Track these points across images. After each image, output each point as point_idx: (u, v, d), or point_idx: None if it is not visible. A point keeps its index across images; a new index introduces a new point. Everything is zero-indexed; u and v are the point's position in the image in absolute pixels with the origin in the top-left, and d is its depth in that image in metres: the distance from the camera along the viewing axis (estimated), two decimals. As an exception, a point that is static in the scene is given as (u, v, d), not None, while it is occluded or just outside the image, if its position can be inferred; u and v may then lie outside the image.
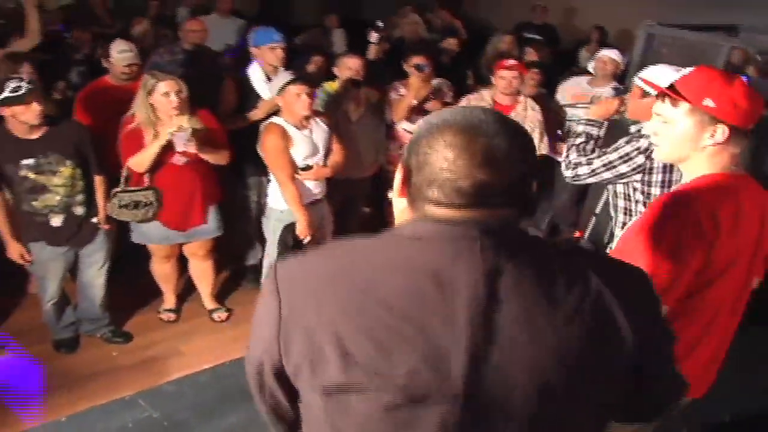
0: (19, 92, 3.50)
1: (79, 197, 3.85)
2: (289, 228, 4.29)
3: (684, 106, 2.01)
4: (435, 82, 5.31)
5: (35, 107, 3.54)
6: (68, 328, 4.20)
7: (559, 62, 7.01)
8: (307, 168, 4.21)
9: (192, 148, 4.01)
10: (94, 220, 3.95)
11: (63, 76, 5.62)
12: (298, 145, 4.13)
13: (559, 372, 1.21)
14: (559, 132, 5.30)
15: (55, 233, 3.82)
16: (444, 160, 1.21)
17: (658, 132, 2.11)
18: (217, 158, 4.15)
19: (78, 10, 8.05)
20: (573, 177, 3.13)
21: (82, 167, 3.83)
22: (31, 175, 3.67)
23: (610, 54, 5.56)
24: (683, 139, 2.03)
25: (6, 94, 3.50)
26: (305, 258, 1.33)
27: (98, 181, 3.95)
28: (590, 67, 5.67)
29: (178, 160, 4.02)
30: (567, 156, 3.17)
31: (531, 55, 6.26)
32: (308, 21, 8.42)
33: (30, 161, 3.65)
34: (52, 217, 3.79)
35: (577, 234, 5.40)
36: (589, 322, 1.22)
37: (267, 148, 4.10)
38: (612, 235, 5.43)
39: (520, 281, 1.20)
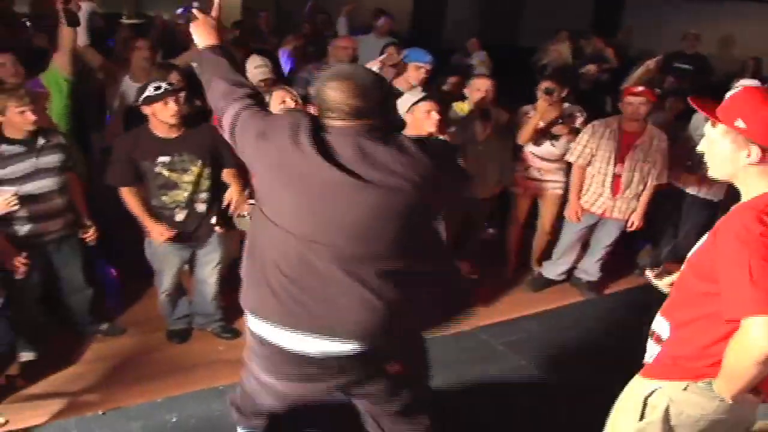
0: (159, 91, 3.81)
1: (203, 195, 4.06)
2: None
3: (720, 127, 2.09)
4: (567, 106, 5.21)
5: (172, 106, 3.82)
6: (181, 320, 4.42)
7: (709, 92, 6.64)
8: None
9: None
10: (213, 220, 4.14)
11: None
12: None
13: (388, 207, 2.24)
14: (689, 163, 5.05)
15: (177, 228, 4.02)
16: (333, 95, 2.25)
17: (705, 152, 2.19)
18: None
19: (246, 27, 8.62)
20: None
21: (211, 167, 4.05)
22: (165, 172, 3.92)
23: (748, 83, 5.21)
24: (723, 159, 2.12)
25: (148, 93, 3.83)
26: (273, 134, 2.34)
27: (229, 173, 4.15)
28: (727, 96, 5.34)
29: None
30: None
31: (672, 83, 6.00)
32: (458, 44, 8.52)
33: (165, 159, 3.91)
34: (178, 212, 4.02)
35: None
36: (406, 180, 2.22)
37: None
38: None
39: (372, 151, 2.22)
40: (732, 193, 2.50)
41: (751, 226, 1.93)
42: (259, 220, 2.41)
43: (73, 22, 4.56)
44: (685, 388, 2.19)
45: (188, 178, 3.98)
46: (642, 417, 2.30)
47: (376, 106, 2.27)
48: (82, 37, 5.34)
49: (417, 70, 4.89)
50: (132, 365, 4.11)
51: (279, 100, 4.07)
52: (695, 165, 5.02)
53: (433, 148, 2.40)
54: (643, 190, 4.98)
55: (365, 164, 2.20)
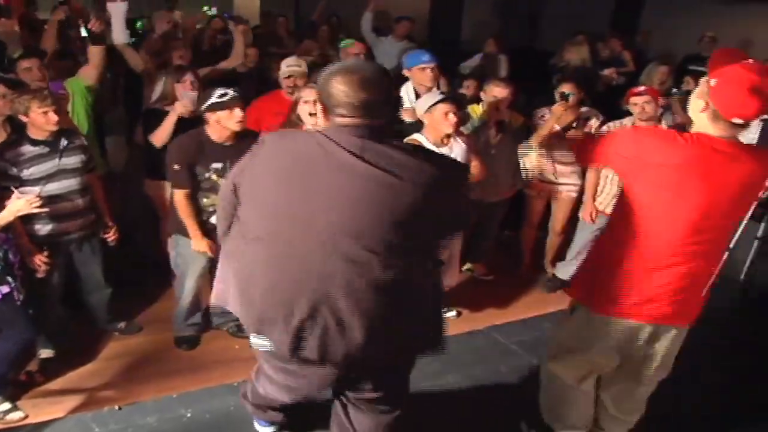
0: (225, 98, 3.79)
1: None
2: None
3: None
4: (584, 109, 5.21)
5: (238, 113, 3.81)
6: (191, 327, 4.41)
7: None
8: None
9: None
10: None
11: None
12: None
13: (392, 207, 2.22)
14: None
15: (209, 232, 4.01)
16: (340, 89, 2.20)
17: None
18: None
19: (264, 32, 8.72)
20: None
21: None
22: (214, 177, 3.91)
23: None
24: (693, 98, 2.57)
25: (213, 99, 3.80)
26: (268, 137, 2.45)
27: None
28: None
29: None
30: None
31: (689, 85, 5.97)
32: (476, 47, 8.54)
33: (218, 165, 3.90)
34: (213, 216, 3.99)
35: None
36: (414, 183, 2.21)
37: None
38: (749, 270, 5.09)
39: (377, 153, 2.19)
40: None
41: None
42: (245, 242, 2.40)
43: (98, 41, 4.68)
44: None
45: None
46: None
47: (384, 101, 2.24)
48: (122, 36, 5.48)
49: (422, 71, 4.92)
50: (148, 363, 4.19)
51: (303, 99, 4.14)
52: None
53: (442, 162, 2.41)
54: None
55: (370, 157, 2.18)
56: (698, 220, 2.56)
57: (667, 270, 2.65)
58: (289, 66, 4.87)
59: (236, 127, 3.85)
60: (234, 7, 12.77)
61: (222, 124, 3.84)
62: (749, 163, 2.51)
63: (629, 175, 2.62)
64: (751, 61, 2.43)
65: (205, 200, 3.99)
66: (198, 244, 4.01)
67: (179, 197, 3.95)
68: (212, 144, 3.91)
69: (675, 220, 2.57)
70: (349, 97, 2.18)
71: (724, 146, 2.47)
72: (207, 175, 3.92)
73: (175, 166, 3.88)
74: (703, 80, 2.50)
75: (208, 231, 4.01)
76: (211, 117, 3.85)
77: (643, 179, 2.55)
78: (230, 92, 3.82)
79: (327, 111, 2.27)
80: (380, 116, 2.23)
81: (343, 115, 2.22)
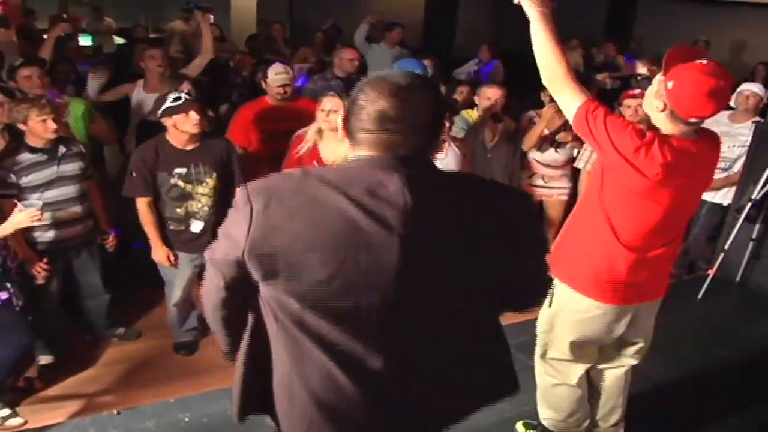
0: (179, 102, 3.82)
1: (216, 209, 4.08)
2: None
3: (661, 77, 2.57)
4: (575, 113, 5.25)
5: (194, 116, 3.84)
6: (189, 332, 4.44)
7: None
8: None
9: None
10: None
11: (226, 97, 6.14)
12: None
13: (455, 270, 1.68)
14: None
15: (191, 240, 4.08)
16: (364, 97, 1.63)
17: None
18: None
19: (263, 40, 8.78)
20: None
21: (224, 181, 4.07)
22: (180, 183, 3.96)
23: (753, 88, 5.27)
24: (649, 96, 2.64)
25: (168, 104, 3.84)
26: (270, 178, 1.69)
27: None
28: (732, 101, 5.40)
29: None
30: None
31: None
32: (469, 54, 8.60)
33: (182, 170, 3.94)
34: (193, 222, 4.05)
35: (710, 271, 5.16)
36: (476, 231, 1.66)
37: None
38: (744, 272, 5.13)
39: (426, 198, 1.61)
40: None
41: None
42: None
43: None
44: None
45: (203, 189, 4.02)
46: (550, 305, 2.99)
47: (431, 122, 1.66)
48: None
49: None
50: (146, 368, 4.22)
51: (322, 107, 4.08)
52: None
53: (514, 198, 1.86)
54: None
55: (420, 206, 1.59)
56: (669, 218, 2.68)
57: (643, 256, 2.74)
58: (279, 74, 4.87)
59: (193, 130, 3.88)
60: (231, 17, 12.84)
61: (179, 128, 3.87)
62: (707, 153, 2.67)
63: (615, 168, 2.61)
64: (705, 61, 2.50)
65: (178, 210, 4.02)
66: (157, 252, 4.06)
67: (140, 205, 3.99)
68: (173, 149, 3.95)
69: (649, 218, 2.66)
70: (386, 116, 1.59)
71: (689, 146, 2.56)
72: (172, 181, 3.94)
73: (133, 174, 3.94)
74: (658, 79, 2.57)
75: (187, 239, 4.07)
76: (168, 122, 3.88)
77: (626, 177, 2.58)
78: (184, 95, 3.87)
79: (353, 135, 1.66)
80: (425, 138, 1.65)
81: (369, 131, 1.61)
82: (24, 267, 3.77)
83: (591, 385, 3.25)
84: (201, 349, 4.45)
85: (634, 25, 10.97)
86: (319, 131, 4.15)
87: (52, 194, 3.85)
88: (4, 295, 3.47)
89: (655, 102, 2.55)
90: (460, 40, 11.38)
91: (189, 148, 3.97)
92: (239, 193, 1.67)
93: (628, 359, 3.16)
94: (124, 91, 5.48)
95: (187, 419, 3.55)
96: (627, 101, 4.87)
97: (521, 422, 3.52)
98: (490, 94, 5.00)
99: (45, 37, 6.21)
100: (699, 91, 2.43)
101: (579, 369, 3.11)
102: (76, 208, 3.99)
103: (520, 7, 2.63)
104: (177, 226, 4.07)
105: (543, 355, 3.19)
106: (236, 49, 7.13)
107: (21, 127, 3.78)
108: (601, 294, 2.82)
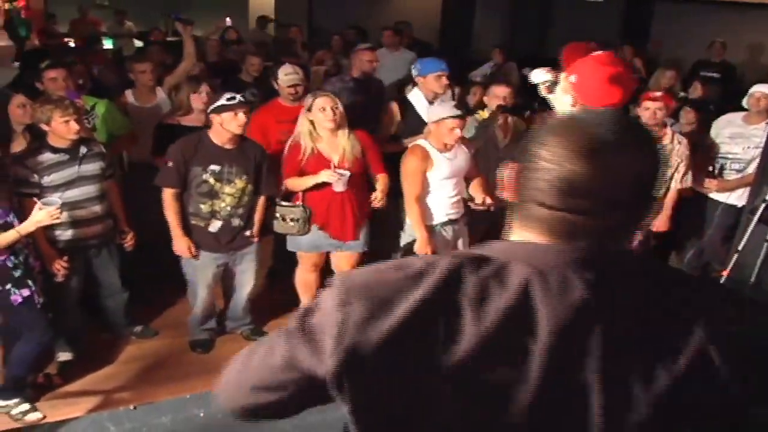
0: (233, 101, 3.96)
1: (241, 210, 4.18)
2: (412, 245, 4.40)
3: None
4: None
5: (241, 117, 3.97)
6: (206, 330, 4.53)
7: (735, 100, 6.71)
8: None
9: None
10: (248, 232, 4.28)
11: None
12: (438, 167, 4.27)
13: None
14: (710, 168, 5.12)
15: (212, 238, 4.16)
16: (547, 154, 1.10)
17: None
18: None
19: (279, 44, 8.86)
20: None
21: (254, 185, 4.18)
22: (211, 180, 4.04)
23: (763, 89, 5.25)
24: (558, 95, 2.75)
25: (222, 102, 3.97)
26: (375, 269, 1.19)
27: (261, 200, 4.30)
28: (744, 102, 5.40)
29: (336, 185, 4.21)
30: None
31: (697, 91, 6.03)
32: (486, 57, 8.64)
33: (216, 167, 4.03)
34: (213, 222, 4.13)
35: (723, 273, 5.15)
36: (689, 371, 1.06)
37: (405, 167, 4.28)
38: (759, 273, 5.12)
39: (619, 319, 1.07)
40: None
41: None
42: None
43: None
44: None
45: (230, 190, 4.09)
46: None
47: (643, 197, 1.14)
48: None
49: (438, 79, 4.99)
50: (163, 366, 4.30)
51: (319, 107, 4.19)
52: (718, 170, 5.11)
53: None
54: (665, 195, 5.05)
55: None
56: None
57: None
58: (289, 74, 4.89)
59: (237, 131, 4.00)
60: (249, 20, 12.94)
61: (224, 127, 3.98)
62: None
63: None
64: (599, 52, 2.63)
65: (202, 206, 4.09)
66: (178, 243, 4.13)
67: (167, 195, 4.08)
68: (213, 146, 4.05)
69: None
70: (552, 165, 1.10)
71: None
72: (204, 177, 4.02)
73: (169, 164, 4.03)
74: (562, 77, 2.68)
75: (208, 237, 4.14)
76: (216, 119, 4.00)
77: None
78: (238, 97, 4.00)
79: (517, 185, 1.16)
80: (619, 218, 1.13)
81: (548, 206, 1.11)
82: (45, 265, 3.84)
83: None
84: (217, 347, 4.52)
85: (651, 27, 10.95)
86: (310, 134, 4.23)
87: (73, 193, 3.92)
88: (25, 293, 3.54)
89: (565, 98, 2.67)
90: (476, 42, 11.41)
91: (228, 147, 4.07)
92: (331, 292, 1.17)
93: None
94: (180, 74, 5.54)
95: (202, 414, 3.61)
96: (646, 103, 4.89)
97: None
98: (499, 92, 5.04)
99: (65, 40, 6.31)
100: (600, 79, 2.53)
101: None
102: (96, 208, 4.06)
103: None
104: (198, 222, 4.14)
105: None
106: (249, 51, 7.19)
107: (44, 127, 3.86)
108: None
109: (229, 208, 4.12)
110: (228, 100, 3.96)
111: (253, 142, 4.28)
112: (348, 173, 4.17)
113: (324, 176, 4.14)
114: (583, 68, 2.60)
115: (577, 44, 2.77)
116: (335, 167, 4.20)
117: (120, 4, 11.97)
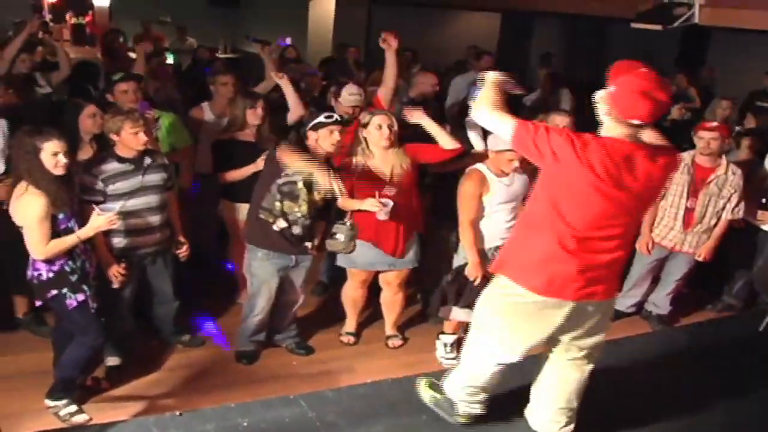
0: (330, 120, 4.10)
1: (308, 222, 4.14)
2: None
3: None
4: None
5: (335, 136, 4.10)
6: (254, 343, 4.58)
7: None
8: None
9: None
10: (308, 244, 4.27)
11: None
12: (495, 192, 4.30)
13: None
14: (764, 200, 5.05)
15: (277, 236, 4.15)
16: None
17: None
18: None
19: (336, 63, 8.96)
20: None
21: (328, 200, 4.20)
22: (299, 183, 4.04)
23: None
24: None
25: (320, 119, 4.11)
26: None
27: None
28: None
29: (379, 215, 4.24)
30: None
31: (750, 122, 5.95)
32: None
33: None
34: (279, 221, 4.10)
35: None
36: None
37: (461, 190, 4.32)
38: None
39: None
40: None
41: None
42: None
43: None
44: None
45: (310, 199, 4.10)
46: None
47: None
48: None
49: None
50: (208, 375, 4.37)
51: (376, 125, 4.30)
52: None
53: None
54: (715, 225, 4.98)
55: None
56: (609, 217, 2.91)
57: (590, 255, 2.97)
58: (353, 95, 4.99)
59: (330, 148, 4.12)
60: (308, 39, 13.13)
61: (319, 143, 4.10)
62: (648, 161, 2.86)
63: (558, 174, 2.88)
64: (644, 69, 2.76)
65: (277, 204, 4.10)
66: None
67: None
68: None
69: (591, 216, 2.90)
70: None
71: (625, 146, 2.81)
72: (294, 177, 4.05)
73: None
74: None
75: (273, 237, 4.17)
76: (312, 135, 4.12)
77: (566, 179, 2.86)
78: (336, 115, 4.16)
79: None
80: None
81: None
82: (101, 270, 3.94)
83: (547, 381, 3.47)
84: (262, 359, 4.57)
85: (707, 56, 10.79)
86: (363, 151, 4.34)
87: (134, 203, 4.02)
88: (80, 297, 3.64)
89: (602, 107, 2.84)
90: (533, 67, 11.40)
91: (321, 159, 4.12)
92: None
93: (579, 360, 3.34)
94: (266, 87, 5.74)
95: (245, 424, 3.64)
96: (701, 133, 4.88)
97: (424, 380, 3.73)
98: (558, 122, 5.01)
99: (131, 54, 6.49)
100: (632, 91, 2.71)
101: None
102: (156, 217, 4.15)
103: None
104: (267, 217, 4.14)
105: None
106: (305, 71, 7.29)
107: (113, 137, 3.96)
108: (541, 285, 3.02)
109: (299, 215, 4.12)
110: (326, 117, 4.09)
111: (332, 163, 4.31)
112: (391, 203, 4.20)
113: (368, 205, 4.20)
114: (622, 80, 2.76)
115: (629, 62, 2.85)
116: (379, 195, 4.24)
117: (181, 21, 12.28)
